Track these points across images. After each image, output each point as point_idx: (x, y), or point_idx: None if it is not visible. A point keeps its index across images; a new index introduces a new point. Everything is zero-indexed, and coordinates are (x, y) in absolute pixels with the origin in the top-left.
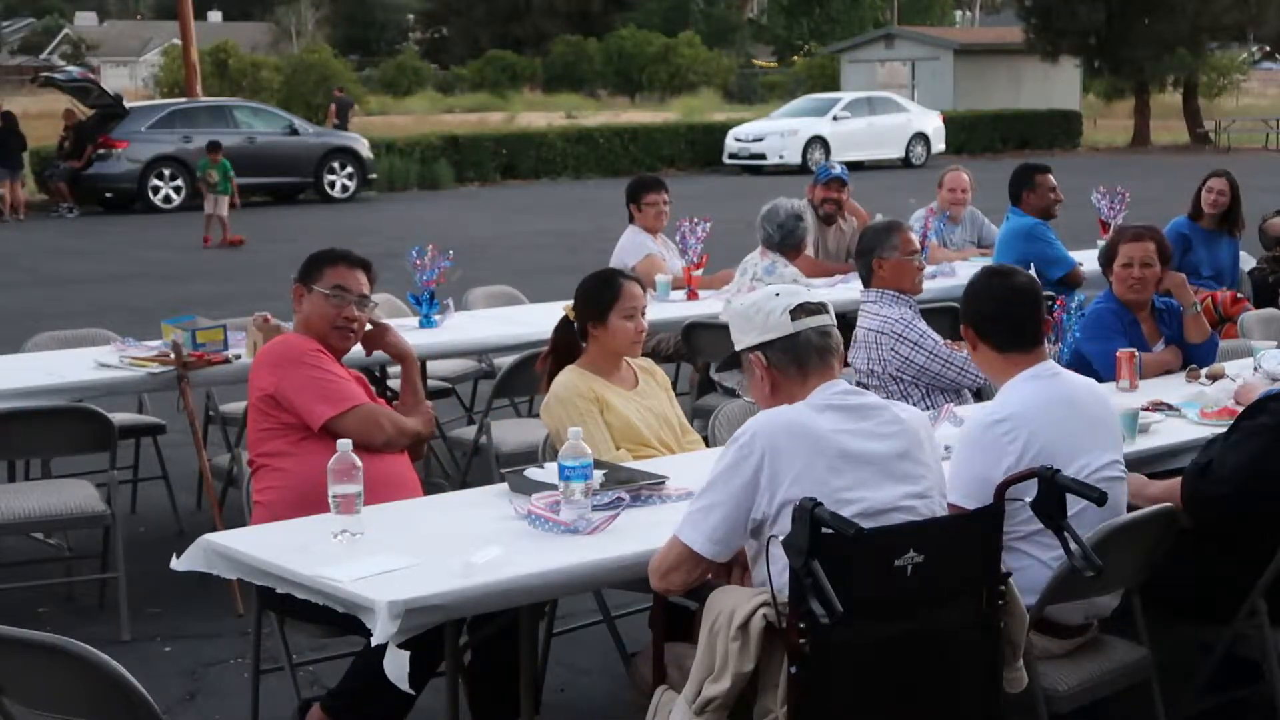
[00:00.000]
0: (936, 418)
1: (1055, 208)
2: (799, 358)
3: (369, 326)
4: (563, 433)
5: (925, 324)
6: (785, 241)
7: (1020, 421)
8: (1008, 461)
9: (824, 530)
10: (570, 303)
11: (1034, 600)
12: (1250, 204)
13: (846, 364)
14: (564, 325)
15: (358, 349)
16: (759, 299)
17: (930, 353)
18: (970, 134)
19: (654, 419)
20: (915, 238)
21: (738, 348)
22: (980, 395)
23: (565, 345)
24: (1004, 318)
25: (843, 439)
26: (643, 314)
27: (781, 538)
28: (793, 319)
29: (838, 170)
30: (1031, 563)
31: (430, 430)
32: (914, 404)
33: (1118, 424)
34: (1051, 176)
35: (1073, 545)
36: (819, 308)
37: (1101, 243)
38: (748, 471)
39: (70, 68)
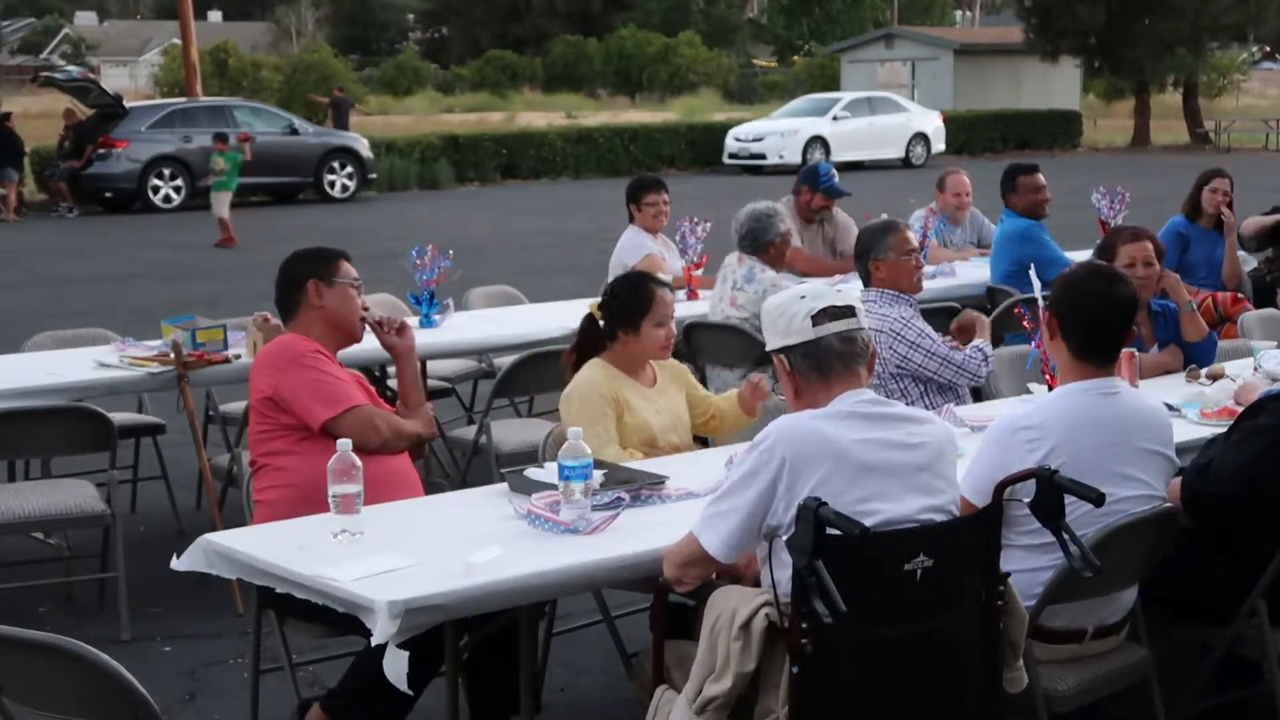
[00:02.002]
0: None
1: (1043, 207)
2: (820, 364)
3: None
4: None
5: (924, 323)
6: (754, 243)
7: (1048, 433)
8: (1021, 468)
9: (829, 530)
10: (596, 301)
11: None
12: (1250, 204)
13: None
14: (589, 322)
15: (358, 350)
16: (785, 301)
17: (928, 351)
18: (970, 134)
19: (667, 419)
20: (914, 237)
21: (767, 348)
22: (979, 395)
23: (590, 342)
24: (1091, 324)
25: (865, 450)
26: (672, 319)
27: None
28: (814, 324)
29: (838, 180)
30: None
31: (431, 432)
32: (910, 403)
33: (1169, 460)
34: (1039, 176)
35: (1071, 546)
36: (844, 312)
37: None
38: (765, 479)
39: (70, 67)
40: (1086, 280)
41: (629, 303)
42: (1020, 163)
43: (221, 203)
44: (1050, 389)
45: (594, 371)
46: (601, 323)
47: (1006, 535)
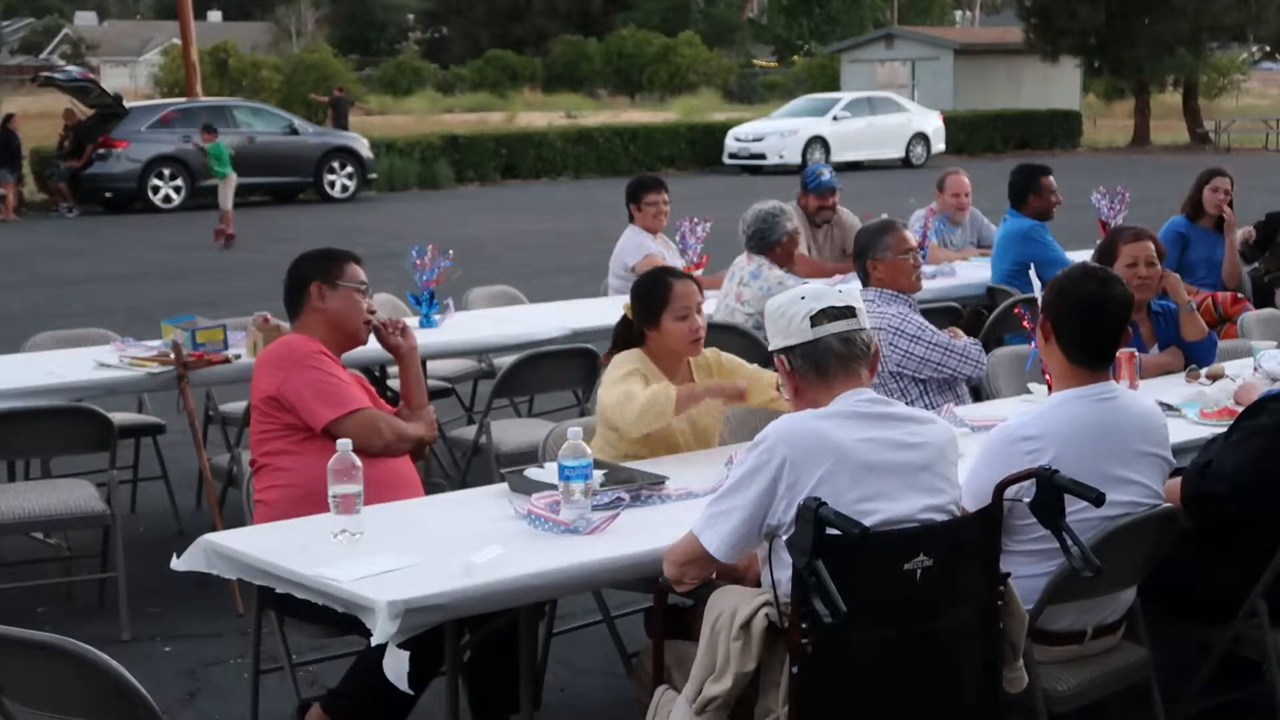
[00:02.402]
0: None
1: (1053, 209)
2: (818, 365)
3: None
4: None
5: (922, 317)
6: (760, 243)
7: (1049, 442)
8: (1030, 481)
9: (829, 530)
10: (628, 300)
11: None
12: (1250, 204)
13: None
14: (624, 324)
15: (359, 351)
16: (785, 301)
17: (930, 343)
18: (970, 134)
19: (687, 424)
20: (911, 236)
21: (769, 348)
22: (979, 395)
23: (625, 343)
24: (1088, 329)
25: (865, 449)
26: (698, 311)
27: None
28: (813, 325)
29: (827, 177)
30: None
31: (433, 434)
32: (910, 403)
33: (1165, 461)
34: (1053, 178)
35: (1072, 547)
36: (843, 313)
37: None
38: (765, 479)
39: (70, 67)
40: (1081, 283)
41: (647, 297)
42: (1035, 164)
43: (225, 192)
44: (1050, 389)
45: (629, 353)
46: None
47: (1007, 542)
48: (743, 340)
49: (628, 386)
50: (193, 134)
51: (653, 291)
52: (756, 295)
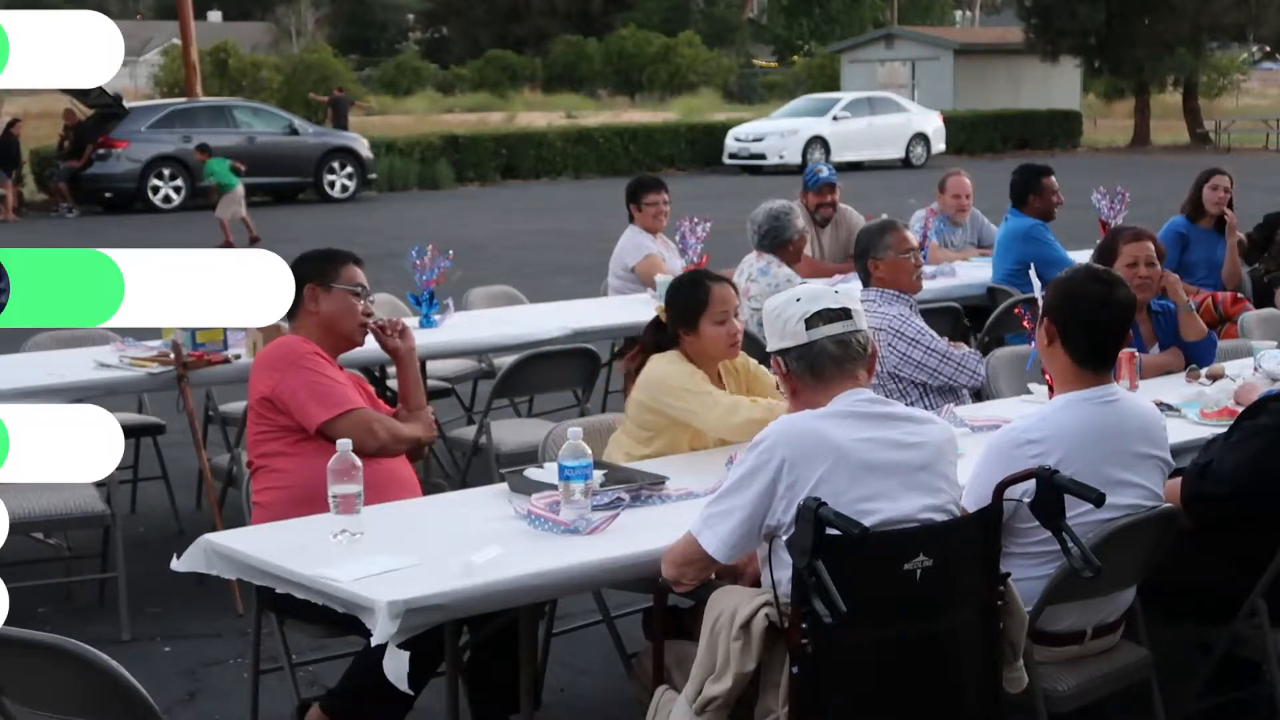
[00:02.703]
0: None
1: (1055, 209)
2: (814, 367)
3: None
4: (666, 398)
5: (923, 321)
6: (772, 242)
7: (1054, 446)
8: (1030, 482)
9: (829, 530)
10: (661, 303)
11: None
12: (1250, 204)
13: None
14: (657, 325)
15: (358, 351)
16: (781, 304)
17: (928, 348)
18: (970, 134)
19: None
20: (912, 236)
21: (766, 349)
22: (979, 395)
23: (656, 345)
24: (1092, 330)
25: (865, 449)
26: (736, 315)
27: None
28: (808, 328)
29: (825, 174)
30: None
31: (431, 435)
32: (909, 404)
33: (1165, 462)
34: (1054, 178)
35: (1072, 547)
36: (839, 314)
37: None
38: (765, 479)
39: None
40: (1084, 285)
41: (685, 301)
42: (1037, 164)
43: (224, 205)
44: (1050, 389)
45: (677, 355)
46: (666, 324)
47: (1008, 544)
48: (748, 343)
49: (719, 394)
50: (193, 134)
51: (691, 295)
52: (764, 291)
